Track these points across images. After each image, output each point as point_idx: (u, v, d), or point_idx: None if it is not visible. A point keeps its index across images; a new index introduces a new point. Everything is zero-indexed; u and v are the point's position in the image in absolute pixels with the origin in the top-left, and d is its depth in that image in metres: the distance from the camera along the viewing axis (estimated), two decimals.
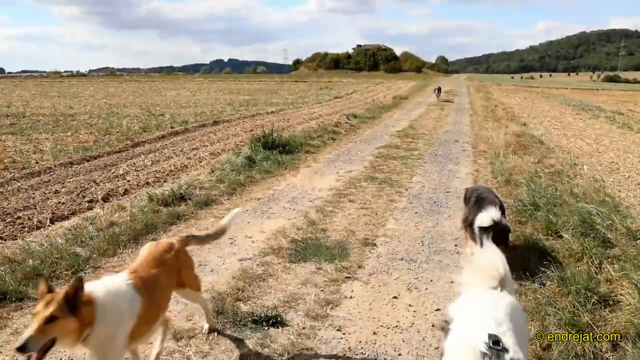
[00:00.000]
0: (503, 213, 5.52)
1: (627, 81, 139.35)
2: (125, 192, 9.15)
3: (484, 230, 5.28)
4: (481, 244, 5.03)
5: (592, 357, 3.87)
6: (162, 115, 22.68)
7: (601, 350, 3.92)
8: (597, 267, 5.34)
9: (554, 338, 4.06)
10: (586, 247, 5.68)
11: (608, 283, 5.00)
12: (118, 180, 9.99)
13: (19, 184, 9.50)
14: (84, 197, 8.67)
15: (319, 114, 23.30)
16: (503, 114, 23.33)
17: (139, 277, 3.38)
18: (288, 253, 6.11)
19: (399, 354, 4.05)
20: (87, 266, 5.65)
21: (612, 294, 4.80)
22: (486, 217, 5.33)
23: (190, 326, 4.42)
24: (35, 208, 7.99)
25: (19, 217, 7.47)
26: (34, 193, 8.89)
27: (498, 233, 5.14)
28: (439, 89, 34.59)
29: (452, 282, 5.36)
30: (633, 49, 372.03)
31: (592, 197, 7.61)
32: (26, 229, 7.06)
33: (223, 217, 7.46)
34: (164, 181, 9.95)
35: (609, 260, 5.47)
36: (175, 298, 4.93)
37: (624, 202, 7.99)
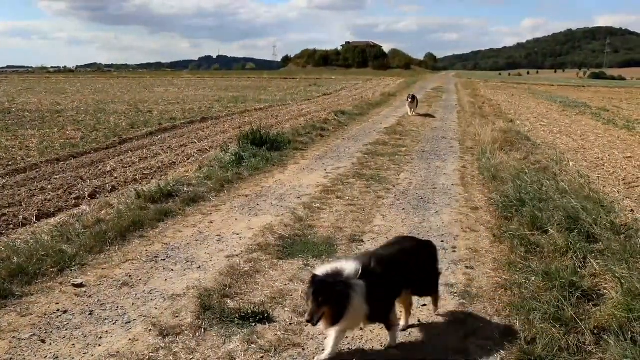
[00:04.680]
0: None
1: (612, 78, 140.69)
2: (113, 189, 9.11)
3: None
4: None
5: (575, 350, 3.91)
6: (150, 111, 22.58)
7: (584, 344, 3.97)
8: (581, 262, 5.38)
9: (538, 332, 4.10)
10: (571, 242, 5.72)
11: (592, 277, 5.04)
12: (105, 177, 9.95)
13: (4, 181, 9.43)
14: (71, 194, 8.63)
15: (308, 111, 23.28)
16: (490, 111, 23.45)
17: None
18: (275, 250, 6.12)
19: (385, 349, 4.07)
20: (74, 263, 5.62)
21: (596, 288, 4.84)
22: None
23: (176, 322, 4.41)
24: (21, 205, 7.93)
25: (4, 214, 7.42)
26: (19, 190, 8.83)
27: None
28: (413, 98, 22.66)
29: None
30: (618, 47, 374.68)
31: (577, 193, 7.68)
32: (11, 226, 7.01)
33: (211, 213, 7.50)
34: (152, 178, 9.91)
35: (593, 254, 5.50)
36: (161, 294, 4.94)
37: (608, 198, 8.07)
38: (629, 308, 4.18)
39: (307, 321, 3.56)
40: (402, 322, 4.37)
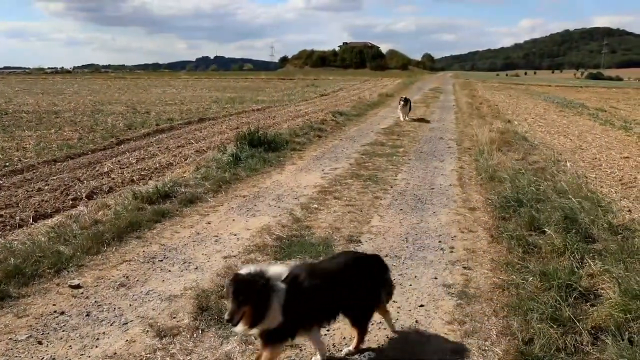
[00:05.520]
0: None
1: (609, 78, 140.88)
2: (110, 189, 9.09)
3: None
4: None
5: (573, 350, 3.91)
6: (147, 112, 22.53)
7: (582, 344, 3.97)
8: (579, 262, 5.39)
9: (536, 332, 4.10)
10: (568, 242, 5.73)
11: (589, 277, 5.04)
12: (102, 178, 9.93)
13: (1, 182, 9.41)
14: (68, 195, 8.61)
15: (305, 112, 23.27)
16: (488, 111, 23.45)
17: None
18: (273, 250, 6.11)
19: (383, 350, 4.07)
20: (71, 264, 5.61)
21: (594, 289, 4.85)
22: None
23: (174, 324, 4.41)
24: (18, 206, 7.91)
25: (1, 216, 7.39)
26: (16, 191, 8.82)
27: None
28: (406, 101, 20.46)
29: (435, 279, 5.41)
30: (615, 47, 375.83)
31: (574, 193, 7.68)
32: (8, 227, 6.99)
33: (208, 214, 7.49)
34: (149, 179, 9.90)
35: (591, 255, 5.52)
36: (159, 295, 4.93)
37: (605, 198, 8.08)
38: (626, 308, 4.19)
39: (227, 321, 3.40)
40: (350, 347, 4.06)
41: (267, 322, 3.43)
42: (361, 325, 4.04)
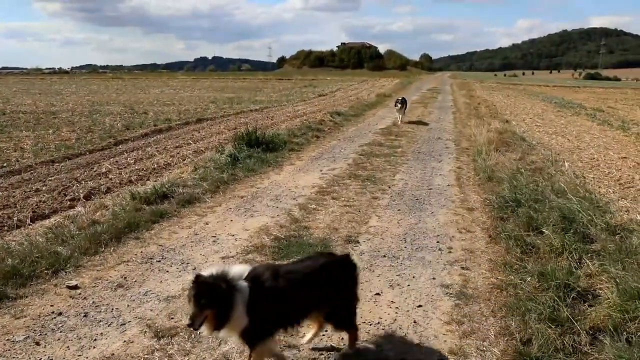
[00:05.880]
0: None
1: (607, 79, 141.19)
2: (108, 190, 9.08)
3: None
4: None
5: (571, 351, 3.92)
6: (145, 113, 22.51)
7: (580, 344, 3.97)
8: (577, 262, 5.39)
9: (534, 332, 4.10)
10: (566, 243, 5.73)
11: (587, 278, 5.05)
12: (100, 179, 9.92)
13: None
14: (66, 196, 8.59)
15: (303, 112, 23.27)
16: (486, 112, 23.46)
17: None
18: (271, 251, 6.11)
19: (381, 350, 4.07)
20: (68, 265, 5.59)
21: (592, 289, 4.85)
22: None
23: (172, 324, 4.40)
24: (16, 207, 7.90)
25: None
26: (14, 191, 8.80)
27: None
28: (403, 102, 19.53)
29: (434, 279, 5.41)
30: (613, 47, 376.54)
31: (572, 193, 7.68)
32: (6, 228, 6.97)
33: (206, 215, 7.48)
34: (147, 179, 9.89)
35: (589, 255, 5.52)
36: (157, 296, 4.92)
37: (603, 198, 8.08)
38: (624, 308, 4.19)
39: (188, 325, 3.32)
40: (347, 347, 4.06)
41: (233, 325, 3.37)
42: (345, 325, 4.02)
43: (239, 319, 3.36)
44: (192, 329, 3.37)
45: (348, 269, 4.00)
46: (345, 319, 4.00)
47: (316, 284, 3.75)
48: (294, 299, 3.60)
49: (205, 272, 3.43)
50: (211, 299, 3.26)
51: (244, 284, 3.40)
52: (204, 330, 3.36)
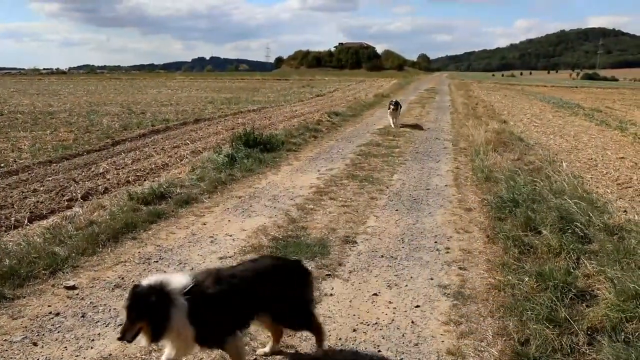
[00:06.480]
0: None
1: (605, 79, 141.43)
2: (105, 190, 9.07)
3: None
4: None
5: (569, 351, 3.92)
6: (143, 113, 22.48)
7: (578, 345, 3.97)
8: (574, 263, 5.40)
9: (532, 332, 4.11)
10: (564, 243, 5.74)
11: (585, 278, 5.06)
12: (98, 179, 9.91)
13: None
14: (63, 196, 8.58)
15: (301, 112, 23.28)
16: (484, 112, 23.49)
17: None
18: (269, 251, 6.10)
19: (379, 351, 4.07)
20: (66, 265, 5.58)
21: (590, 289, 4.85)
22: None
23: None
24: (13, 207, 7.88)
25: None
26: (11, 192, 8.78)
27: None
28: (397, 105, 18.43)
29: (431, 279, 5.41)
30: (611, 47, 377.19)
31: (570, 194, 7.68)
32: (3, 228, 6.96)
33: (204, 215, 7.47)
34: (145, 179, 9.88)
35: (587, 255, 5.54)
36: None
37: (601, 198, 8.10)
38: (622, 309, 4.20)
39: (118, 339, 3.26)
40: (266, 349, 4.03)
41: (177, 335, 3.32)
42: (302, 325, 3.97)
43: (182, 329, 3.30)
44: (122, 342, 3.29)
45: (296, 272, 3.96)
46: (299, 320, 3.93)
47: (260, 286, 3.67)
48: (236, 303, 3.53)
49: (144, 282, 3.35)
50: (142, 311, 3.18)
51: (181, 299, 3.29)
52: (142, 341, 3.28)
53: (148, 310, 3.18)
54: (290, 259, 4.52)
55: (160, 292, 3.25)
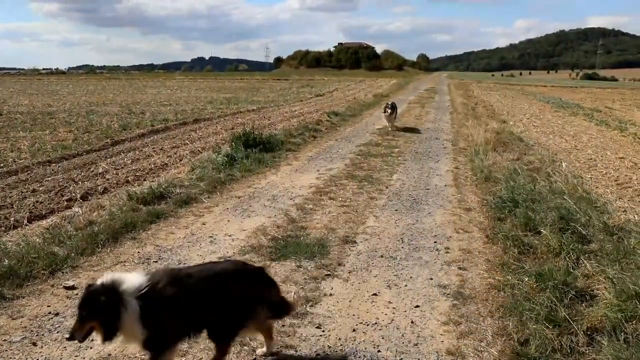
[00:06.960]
0: None
1: (605, 79, 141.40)
2: (105, 190, 9.06)
3: None
4: None
5: (569, 351, 3.92)
6: (142, 113, 22.47)
7: (577, 345, 3.97)
8: (574, 263, 5.40)
9: (531, 332, 4.10)
10: (564, 243, 5.74)
11: (585, 278, 5.05)
12: (97, 179, 9.90)
13: None
14: (63, 196, 8.58)
15: (300, 112, 23.28)
16: (483, 112, 23.50)
17: None
18: (268, 251, 6.10)
19: (378, 351, 4.06)
20: (65, 265, 5.58)
21: (589, 289, 4.85)
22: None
23: None
24: (12, 207, 7.88)
25: None
26: (11, 192, 8.77)
27: None
28: (393, 107, 17.23)
29: (431, 279, 5.41)
30: (610, 48, 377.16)
31: (570, 194, 7.69)
32: (2, 228, 6.96)
33: (203, 215, 7.47)
34: (144, 179, 9.87)
35: (586, 255, 5.54)
36: None
37: (601, 198, 8.09)
38: (622, 309, 4.20)
39: (67, 339, 3.24)
40: (264, 349, 3.97)
41: (129, 335, 3.26)
42: (219, 340, 3.71)
43: (133, 330, 3.23)
44: (71, 341, 3.26)
45: (255, 280, 3.81)
46: (223, 334, 3.70)
47: (213, 295, 3.54)
48: (191, 306, 3.44)
49: (99, 281, 3.29)
50: (91, 311, 3.14)
51: (132, 295, 3.20)
52: (97, 340, 3.25)
53: (97, 311, 3.14)
54: (254, 265, 4.33)
55: (111, 292, 3.18)
